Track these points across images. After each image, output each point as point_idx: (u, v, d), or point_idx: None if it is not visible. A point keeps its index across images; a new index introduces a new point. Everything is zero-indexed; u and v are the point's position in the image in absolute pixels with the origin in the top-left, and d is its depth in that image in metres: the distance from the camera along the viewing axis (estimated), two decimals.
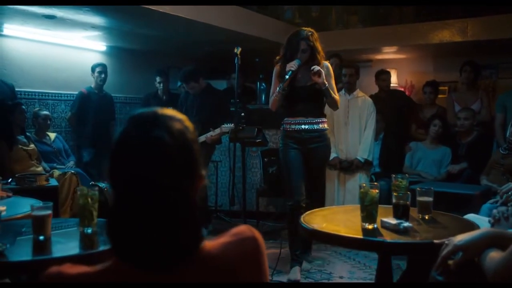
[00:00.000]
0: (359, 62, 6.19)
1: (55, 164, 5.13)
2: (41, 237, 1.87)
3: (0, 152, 4.48)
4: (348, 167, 4.73)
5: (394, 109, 5.58)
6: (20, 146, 4.70)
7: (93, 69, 5.65)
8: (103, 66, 5.67)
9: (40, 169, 4.77)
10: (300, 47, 3.48)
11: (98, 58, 6.06)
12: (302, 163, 3.60)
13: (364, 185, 2.10)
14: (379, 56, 6.79)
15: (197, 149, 1.00)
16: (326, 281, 3.58)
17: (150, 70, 6.47)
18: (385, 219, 2.04)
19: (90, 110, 5.64)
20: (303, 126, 3.58)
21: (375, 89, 5.88)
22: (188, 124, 1.02)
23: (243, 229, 1.09)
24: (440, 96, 5.86)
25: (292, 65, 3.43)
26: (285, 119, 3.67)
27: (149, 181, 0.93)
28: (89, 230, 2.00)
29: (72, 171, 4.71)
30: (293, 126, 3.60)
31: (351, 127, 4.77)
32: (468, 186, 4.13)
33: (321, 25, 6.30)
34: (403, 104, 5.76)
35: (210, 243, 1.02)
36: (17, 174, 4.02)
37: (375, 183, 2.19)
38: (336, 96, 3.64)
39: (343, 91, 4.81)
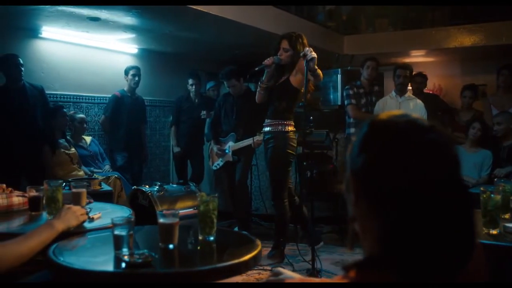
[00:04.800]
0: (385, 65, 6.16)
1: (92, 168, 5.04)
2: (171, 246, 1.81)
3: (45, 156, 4.40)
4: None
5: (429, 112, 5.56)
6: (62, 150, 4.61)
7: (126, 71, 5.56)
8: (137, 69, 5.58)
9: (81, 173, 4.69)
10: (281, 45, 3.65)
11: (129, 61, 5.97)
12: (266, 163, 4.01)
13: (483, 189, 2.07)
14: (407, 59, 6.78)
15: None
16: None
17: (179, 73, 6.40)
18: (509, 225, 2.02)
19: (123, 114, 5.54)
20: (264, 129, 3.99)
21: None
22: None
23: None
24: None
25: (267, 60, 3.58)
26: None
27: (444, 183, 0.89)
28: (211, 238, 1.94)
29: (116, 175, 4.64)
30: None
31: None
32: None
33: (351, 28, 6.29)
34: (438, 107, 5.75)
35: None
36: (70, 179, 3.92)
37: (503, 185, 2.15)
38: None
39: (393, 93, 4.77)
